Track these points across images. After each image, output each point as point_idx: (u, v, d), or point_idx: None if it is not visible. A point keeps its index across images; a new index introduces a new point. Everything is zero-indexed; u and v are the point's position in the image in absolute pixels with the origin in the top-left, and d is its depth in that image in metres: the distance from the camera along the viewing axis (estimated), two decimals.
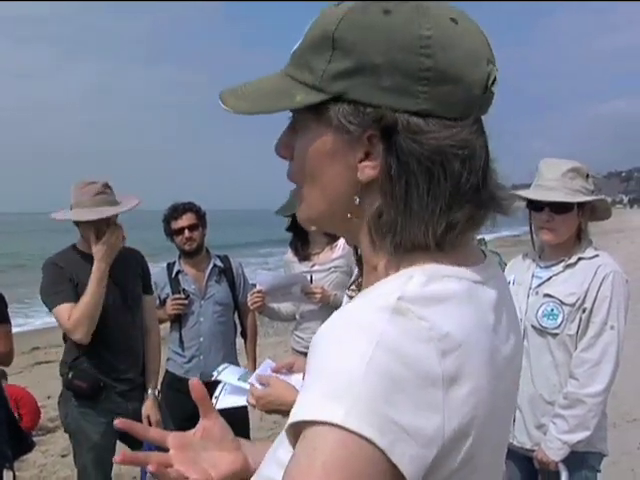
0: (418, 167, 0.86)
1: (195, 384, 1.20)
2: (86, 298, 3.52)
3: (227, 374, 2.28)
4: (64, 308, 3.56)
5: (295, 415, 0.78)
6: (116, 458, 1.11)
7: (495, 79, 0.88)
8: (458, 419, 0.79)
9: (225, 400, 2.23)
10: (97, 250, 3.57)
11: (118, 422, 1.18)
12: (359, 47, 0.86)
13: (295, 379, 2.01)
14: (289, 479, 0.77)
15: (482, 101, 0.88)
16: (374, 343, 0.77)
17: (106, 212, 3.59)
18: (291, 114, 0.97)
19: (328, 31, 0.88)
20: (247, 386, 2.12)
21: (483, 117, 0.92)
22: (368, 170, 0.89)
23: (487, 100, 0.89)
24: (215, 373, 2.35)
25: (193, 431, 1.21)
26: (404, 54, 0.84)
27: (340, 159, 0.91)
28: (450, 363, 0.79)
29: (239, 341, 4.82)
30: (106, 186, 3.69)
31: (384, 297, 0.82)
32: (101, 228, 3.59)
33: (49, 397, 7.32)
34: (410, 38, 0.84)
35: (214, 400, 2.29)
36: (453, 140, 0.86)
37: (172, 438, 1.19)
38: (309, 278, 4.11)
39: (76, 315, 3.51)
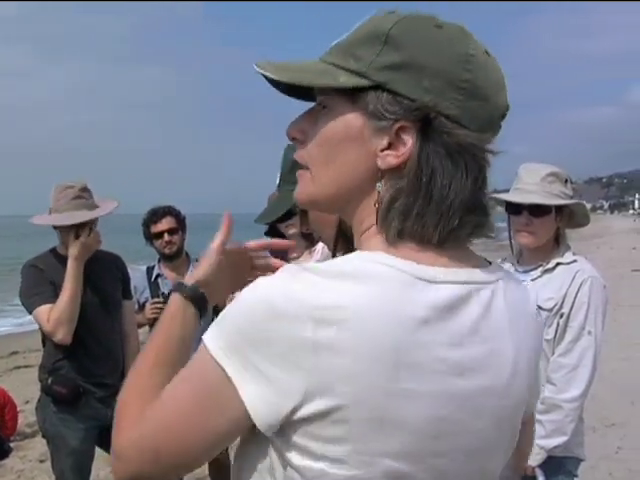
0: (446, 159, 0.93)
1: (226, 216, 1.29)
2: (63, 297, 3.49)
3: None
4: (44, 310, 3.53)
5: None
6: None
7: (509, 109, 1.01)
8: (322, 385, 0.85)
9: None
10: (72, 248, 3.55)
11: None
12: (410, 47, 0.94)
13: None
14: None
15: (498, 124, 1.01)
16: (256, 293, 0.90)
17: (82, 217, 3.57)
18: (316, 101, 1.03)
19: (383, 28, 0.96)
20: None
21: None
22: (390, 158, 0.95)
23: (500, 126, 1.01)
24: None
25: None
26: (450, 64, 0.94)
27: (362, 145, 0.97)
28: (326, 332, 0.84)
29: None
30: (84, 190, 3.67)
31: (296, 266, 0.91)
32: (79, 232, 3.57)
33: (27, 402, 7.27)
34: (459, 52, 0.95)
35: None
36: (477, 142, 0.95)
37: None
38: None
39: (55, 315, 3.48)
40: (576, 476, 2.99)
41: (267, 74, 0.98)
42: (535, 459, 2.85)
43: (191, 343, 1.17)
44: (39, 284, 3.60)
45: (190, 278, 1.22)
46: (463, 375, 0.92)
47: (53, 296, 3.55)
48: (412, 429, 0.88)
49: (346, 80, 0.96)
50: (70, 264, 3.53)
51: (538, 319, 1.14)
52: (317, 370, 0.84)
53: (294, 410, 0.86)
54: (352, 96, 0.96)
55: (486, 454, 1.01)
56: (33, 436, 6.68)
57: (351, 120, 0.97)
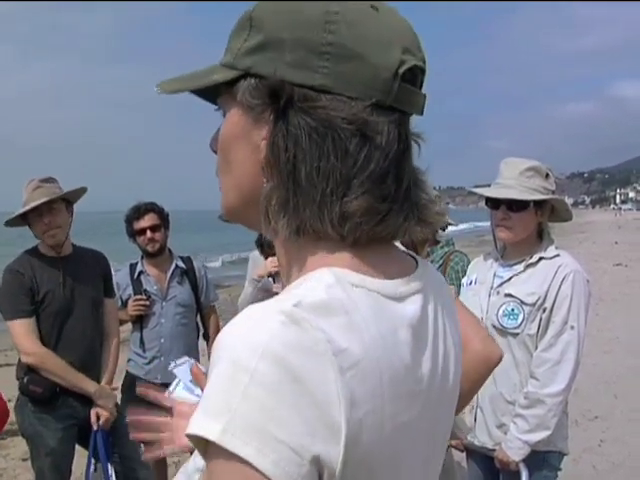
0: (308, 141, 0.82)
1: (142, 392, 1.16)
2: (58, 376, 3.60)
3: (182, 371, 2.26)
4: (19, 324, 3.57)
5: (187, 427, 0.74)
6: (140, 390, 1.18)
7: (412, 69, 0.85)
8: (356, 443, 0.74)
9: (178, 396, 2.21)
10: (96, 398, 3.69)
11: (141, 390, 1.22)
12: (268, 23, 0.86)
13: None
14: None
15: (390, 87, 0.83)
16: (258, 353, 0.71)
17: (36, 201, 3.57)
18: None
19: (247, 12, 0.89)
20: (199, 391, 2.10)
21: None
22: (263, 148, 0.86)
23: (403, 90, 0.84)
24: (172, 364, 2.33)
25: (190, 403, 1.26)
26: (308, 28, 0.83)
27: (247, 139, 0.88)
28: (348, 381, 0.73)
29: (202, 343, 4.78)
30: (46, 180, 3.68)
31: (281, 302, 0.77)
32: (45, 217, 3.60)
33: (9, 400, 7.19)
34: (316, 13, 0.83)
35: (166, 394, 2.27)
36: (347, 115, 0.81)
37: (173, 405, 1.29)
38: (271, 280, 4.10)
39: (42, 357, 3.59)
40: (559, 470, 3.01)
41: (158, 90, 0.92)
42: (518, 454, 2.86)
43: None
44: (18, 292, 3.60)
45: None
46: (432, 385, 0.88)
47: (30, 309, 3.58)
48: (398, 462, 0.83)
49: (218, 76, 0.89)
50: (89, 392, 3.69)
51: (445, 284, 1.06)
52: (348, 424, 0.73)
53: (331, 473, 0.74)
54: (231, 91, 0.89)
55: (444, 440, 0.99)
56: (15, 435, 6.63)
57: (233, 116, 0.90)
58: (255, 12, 0.88)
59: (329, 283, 0.80)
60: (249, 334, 0.74)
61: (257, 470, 0.69)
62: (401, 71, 0.83)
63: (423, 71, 0.88)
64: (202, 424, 0.72)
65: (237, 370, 0.72)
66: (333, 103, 0.82)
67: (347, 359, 0.74)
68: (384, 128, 0.83)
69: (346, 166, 0.82)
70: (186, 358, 2.47)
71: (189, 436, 0.73)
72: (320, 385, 0.72)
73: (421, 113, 0.89)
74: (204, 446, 0.73)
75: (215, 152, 0.96)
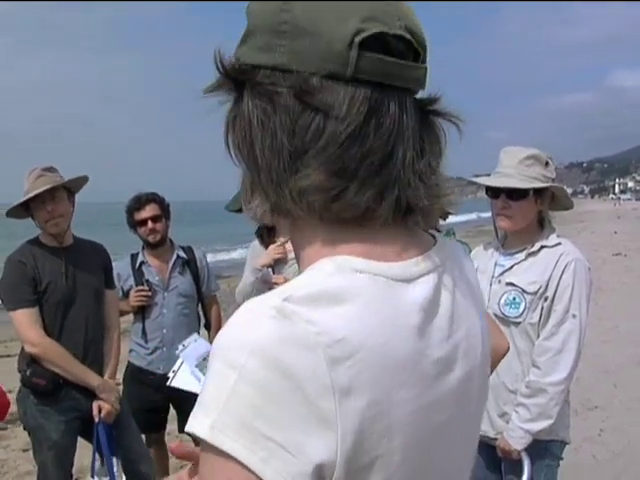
0: (259, 121, 0.83)
1: (173, 449, 1.09)
2: (62, 368, 3.59)
3: (189, 355, 2.26)
4: (22, 314, 3.55)
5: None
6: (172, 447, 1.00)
7: (380, 39, 0.81)
8: (355, 433, 0.73)
9: (181, 378, 2.21)
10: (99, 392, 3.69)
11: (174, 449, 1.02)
12: (251, 13, 0.88)
13: None
14: None
15: (347, 58, 0.79)
16: (247, 350, 0.71)
17: (38, 189, 3.55)
18: None
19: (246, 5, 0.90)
20: (202, 376, 2.10)
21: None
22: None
23: (367, 61, 0.80)
24: (180, 347, 2.33)
25: None
26: (268, 12, 0.84)
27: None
28: (343, 372, 0.72)
29: (203, 333, 4.78)
30: (47, 169, 3.66)
31: (272, 297, 0.76)
32: (48, 205, 3.58)
33: (10, 391, 7.19)
34: None
35: (171, 374, 2.28)
36: (293, 89, 0.81)
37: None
38: (270, 271, 4.09)
39: (45, 347, 3.57)
40: (561, 459, 3.01)
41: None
42: (520, 443, 2.86)
43: None
44: (21, 282, 3.59)
45: None
46: (452, 370, 0.86)
47: (33, 299, 3.56)
48: (421, 450, 0.82)
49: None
50: (92, 386, 3.69)
51: (469, 262, 1.04)
52: (343, 417, 0.72)
53: (335, 470, 0.73)
54: None
55: (476, 428, 0.99)
56: (16, 425, 6.64)
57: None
58: (249, 5, 0.89)
59: (328, 272, 0.79)
60: (240, 331, 0.74)
61: (245, 467, 0.70)
62: (357, 40, 0.79)
63: (408, 41, 0.83)
64: (195, 421, 0.73)
65: (227, 367, 0.72)
66: (288, 78, 0.81)
67: (343, 349, 0.73)
68: (341, 100, 0.80)
69: (296, 142, 0.81)
70: (194, 336, 2.45)
71: (188, 433, 0.74)
72: (311, 379, 0.71)
73: (420, 86, 0.86)
74: (199, 442, 0.74)
75: None
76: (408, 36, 0.83)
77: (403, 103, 0.83)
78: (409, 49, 0.84)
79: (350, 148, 0.80)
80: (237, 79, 0.85)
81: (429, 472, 0.84)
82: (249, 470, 0.70)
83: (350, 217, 0.83)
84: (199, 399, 0.74)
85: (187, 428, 0.73)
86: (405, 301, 0.81)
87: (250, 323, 0.74)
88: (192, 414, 0.74)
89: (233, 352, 0.73)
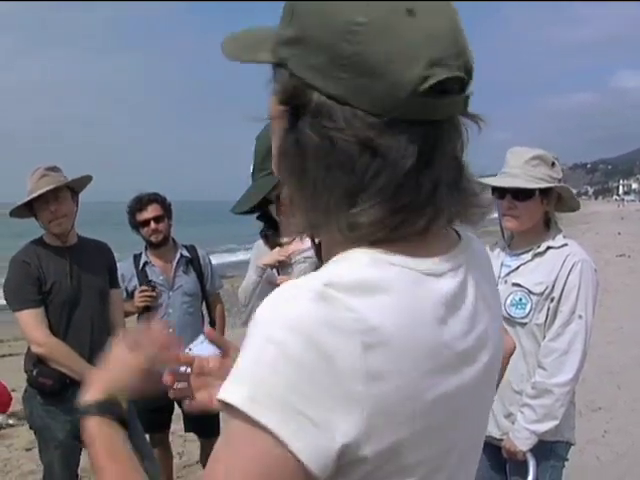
0: (315, 153, 0.83)
1: (209, 332, 1.28)
2: (68, 367, 3.56)
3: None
4: (27, 314, 3.54)
5: (218, 394, 0.78)
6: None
7: (443, 83, 0.81)
8: (382, 415, 0.77)
9: None
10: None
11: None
12: (301, 18, 0.85)
13: None
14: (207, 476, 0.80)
15: (410, 105, 0.81)
16: (287, 327, 0.75)
17: (42, 189, 3.54)
18: None
19: None
20: None
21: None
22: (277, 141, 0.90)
23: (426, 105, 0.81)
24: (187, 350, 2.33)
25: (214, 361, 1.29)
26: (333, 36, 0.81)
27: (276, 124, 0.90)
28: (375, 358, 0.76)
29: None
30: (51, 169, 3.65)
31: (313, 280, 0.80)
32: (52, 205, 3.57)
33: (13, 390, 7.20)
34: (341, 21, 0.81)
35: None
36: (356, 132, 0.81)
37: (196, 361, 1.28)
38: (275, 271, 4.08)
39: (52, 347, 3.56)
40: (566, 460, 3.01)
41: (224, 48, 0.93)
42: (526, 443, 2.85)
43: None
44: (25, 282, 3.58)
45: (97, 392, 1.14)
46: (472, 362, 0.89)
47: (38, 299, 3.56)
48: (442, 433, 0.86)
49: (263, 56, 0.89)
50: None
51: (490, 261, 1.09)
52: (371, 399, 0.76)
53: (358, 449, 0.77)
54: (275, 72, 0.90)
55: (487, 412, 1.04)
56: (19, 425, 6.64)
57: (272, 98, 0.90)
58: (294, 1, 0.87)
59: (364, 262, 0.82)
60: (281, 310, 0.78)
61: (276, 438, 0.73)
62: (422, 89, 0.80)
63: (462, 79, 0.84)
64: (230, 390, 0.77)
65: (267, 343, 0.76)
66: (346, 115, 0.81)
67: (377, 337, 0.77)
68: (399, 144, 0.81)
69: (352, 180, 0.82)
70: (201, 338, 2.46)
71: (219, 400, 0.78)
72: (345, 362, 0.75)
73: (462, 113, 0.88)
74: (227, 412, 0.77)
75: None
76: (465, 77, 0.85)
77: (447, 129, 0.86)
78: (462, 84, 0.85)
79: (406, 185, 0.82)
80: (296, 96, 0.84)
81: (448, 454, 0.88)
82: (279, 441, 0.73)
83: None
84: (235, 371, 0.78)
85: (220, 396, 0.77)
86: (433, 295, 0.84)
87: (292, 301, 0.78)
88: (226, 383, 0.77)
89: (274, 328, 0.76)
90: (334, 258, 0.86)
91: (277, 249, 4.09)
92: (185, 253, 4.60)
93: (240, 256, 25.70)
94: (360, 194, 0.83)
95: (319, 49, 0.82)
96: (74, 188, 3.75)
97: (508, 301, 2.95)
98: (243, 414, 0.74)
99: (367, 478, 0.79)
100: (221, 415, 4.79)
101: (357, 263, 0.82)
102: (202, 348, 2.48)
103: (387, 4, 0.81)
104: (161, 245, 4.50)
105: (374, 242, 0.85)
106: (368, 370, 0.75)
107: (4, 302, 3.72)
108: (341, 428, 0.75)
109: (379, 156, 0.81)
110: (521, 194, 2.92)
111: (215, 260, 5.31)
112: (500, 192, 2.98)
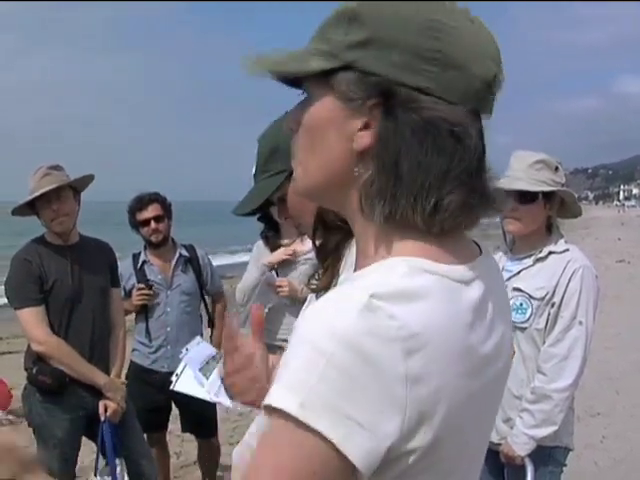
0: (412, 137, 0.89)
1: (255, 312, 1.36)
2: (68, 366, 3.59)
3: (192, 358, 2.26)
4: (28, 313, 3.54)
5: (264, 399, 0.83)
6: None
7: (498, 80, 0.93)
8: (419, 416, 0.82)
9: (184, 382, 2.22)
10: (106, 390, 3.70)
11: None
12: (376, 22, 0.91)
13: None
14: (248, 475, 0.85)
15: (482, 96, 0.93)
16: (336, 339, 0.80)
17: (44, 188, 3.53)
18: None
19: (350, 6, 0.94)
20: (206, 382, 2.09)
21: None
22: (364, 139, 0.92)
23: (488, 99, 0.94)
24: (184, 350, 2.33)
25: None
26: (416, 34, 0.89)
27: (339, 128, 0.94)
28: (415, 362, 0.82)
29: (206, 331, 4.78)
30: (53, 168, 3.64)
31: (359, 292, 0.84)
32: (54, 205, 3.56)
33: (12, 388, 7.21)
34: (423, 20, 0.90)
35: (174, 377, 2.29)
36: (448, 116, 0.89)
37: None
38: (274, 273, 4.08)
39: (52, 346, 3.57)
40: (565, 465, 3.00)
41: (245, 70, 0.96)
42: (524, 448, 2.85)
43: None
44: (26, 280, 3.58)
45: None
46: (492, 364, 0.95)
47: (40, 297, 3.56)
48: (461, 435, 0.91)
49: (316, 64, 0.94)
50: (98, 384, 3.70)
51: (497, 265, 1.16)
52: (412, 401, 0.82)
53: (396, 449, 0.83)
54: (326, 80, 0.94)
55: (497, 408, 1.09)
56: (18, 422, 6.64)
57: (327, 104, 0.95)
58: (359, 7, 0.93)
59: (403, 272, 0.88)
60: (329, 320, 0.83)
61: (328, 442, 0.79)
62: (495, 81, 0.93)
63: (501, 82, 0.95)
64: (281, 397, 0.81)
65: (316, 352, 0.81)
66: (434, 105, 0.89)
67: (417, 342, 0.82)
68: (473, 132, 0.92)
69: (444, 163, 0.89)
70: (197, 339, 2.45)
71: (265, 406, 0.83)
72: (389, 368, 0.80)
73: (490, 113, 0.97)
74: (274, 417, 0.82)
75: (289, 129, 1.04)
76: (503, 79, 0.96)
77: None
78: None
79: (479, 171, 0.93)
80: (386, 92, 0.90)
81: (469, 448, 0.95)
82: (331, 444, 0.79)
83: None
84: (283, 378, 0.83)
85: (271, 403, 0.82)
86: (463, 301, 0.91)
87: (339, 314, 0.83)
88: (274, 391, 0.83)
89: (323, 339, 0.81)
90: (373, 265, 0.91)
91: (282, 248, 4.09)
92: (184, 253, 4.62)
93: (243, 257, 25.73)
94: (448, 176, 0.90)
95: (402, 46, 0.89)
96: (76, 187, 3.75)
97: None
98: (293, 419, 0.79)
99: (402, 475, 0.85)
100: (219, 416, 4.82)
101: (397, 272, 0.88)
102: (198, 349, 2.47)
103: (449, 10, 0.93)
104: (161, 245, 4.52)
105: (417, 237, 0.92)
106: (409, 374, 0.81)
107: (3, 300, 3.71)
108: (386, 429, 0.80)
109: (461, 141, 0.90)
110: (524, 197, 2.93)
111: (217, 261, 5.32)
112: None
